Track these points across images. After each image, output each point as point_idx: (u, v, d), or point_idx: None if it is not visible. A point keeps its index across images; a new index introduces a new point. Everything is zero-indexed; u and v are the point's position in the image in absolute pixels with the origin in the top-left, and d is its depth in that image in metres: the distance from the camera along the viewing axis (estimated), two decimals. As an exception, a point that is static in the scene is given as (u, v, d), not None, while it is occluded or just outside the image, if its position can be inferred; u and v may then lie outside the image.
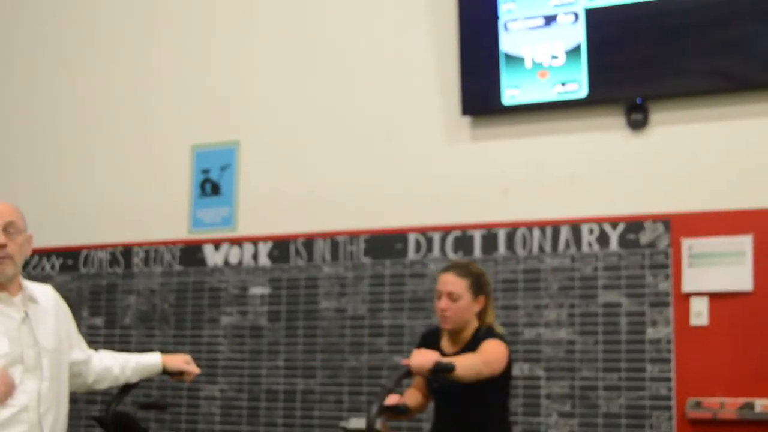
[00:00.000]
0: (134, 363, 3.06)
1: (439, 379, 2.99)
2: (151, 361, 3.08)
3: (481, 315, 3.16)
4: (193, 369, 3.12)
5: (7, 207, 2.72)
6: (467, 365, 2.90)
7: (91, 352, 3.01)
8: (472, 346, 3.10)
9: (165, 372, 3.10)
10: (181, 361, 3.11)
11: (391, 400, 2.98)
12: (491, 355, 2.99)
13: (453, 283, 3.11)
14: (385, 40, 4.52)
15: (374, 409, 2.83)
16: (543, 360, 3.97)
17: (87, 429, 4.73)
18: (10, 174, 5.20)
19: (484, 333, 3.15)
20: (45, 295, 2.81)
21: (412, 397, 3.20)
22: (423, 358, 2.85)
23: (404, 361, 2.90)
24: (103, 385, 3.02)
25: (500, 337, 3.15)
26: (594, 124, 4.06)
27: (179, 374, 3.11)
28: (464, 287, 3.11)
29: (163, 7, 5.08)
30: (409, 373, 2.89)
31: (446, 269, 3.19)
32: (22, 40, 5.39)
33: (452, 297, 3.10)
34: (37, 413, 2.60)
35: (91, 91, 5.14)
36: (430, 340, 3.23)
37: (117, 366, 3.01)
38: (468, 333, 3.15)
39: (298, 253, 4.51)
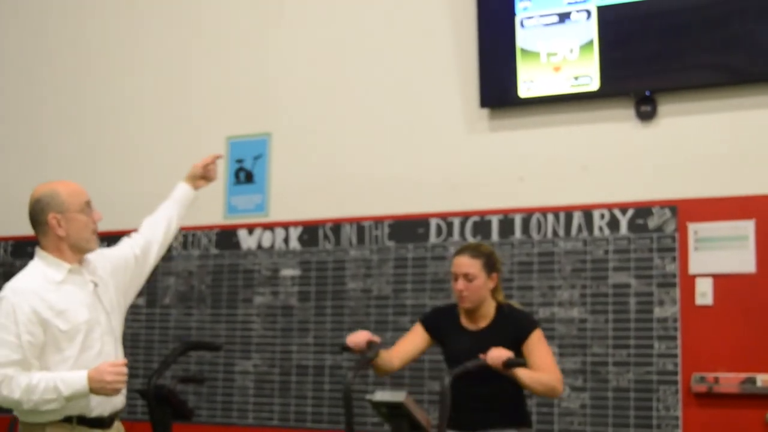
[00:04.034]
0: (172, 206, 3.17)
1: (458, 348, 3.14)
2: (183, 193, 3.21)
3: (494, 291, 3.22)
4: (211, 175, 3.24)
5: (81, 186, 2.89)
6: (538, 379, 3.04)
7: (139, 239, 3.08)
8: (498, 323, 3.17)
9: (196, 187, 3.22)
10: (198, 177, 3.23)
11: (361, 337, 3.08)
12: (558, 377, 3.12)
13: (468, 264, 3.15)
14: (409, 38, 4.56)
15: (447, 380, 2.94)
16: (557, 337, 4.03)
17: (130, 401, 4.61)
18: (63, 165, 5.23)
19: (510, 312, 3.20)
20: (95, 260, 2.90)
21: (401, 349, 3.25)
22: (498, 354, 2.96)
23: (482, 356, 2.97)
24: (168, 240, 3.15)
25: (531, 318, 3.26)
26: (605, 115, 4.13)
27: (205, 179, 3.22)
28: (478, 267, 3.15)
29: (198, 7, 5.13)
30: (485, 365, 2.98)
31: (459, 252, 3.21)
32: (77, 40, 5.42)
33: (468, 278, 3.14)
34: None
35: (136, 89, 5.19)
36: (447, 317, 3.27)
37: (163, 221, 3.14)
38: (488, 310, 3.20)
39: (326, 237, 4.59)
